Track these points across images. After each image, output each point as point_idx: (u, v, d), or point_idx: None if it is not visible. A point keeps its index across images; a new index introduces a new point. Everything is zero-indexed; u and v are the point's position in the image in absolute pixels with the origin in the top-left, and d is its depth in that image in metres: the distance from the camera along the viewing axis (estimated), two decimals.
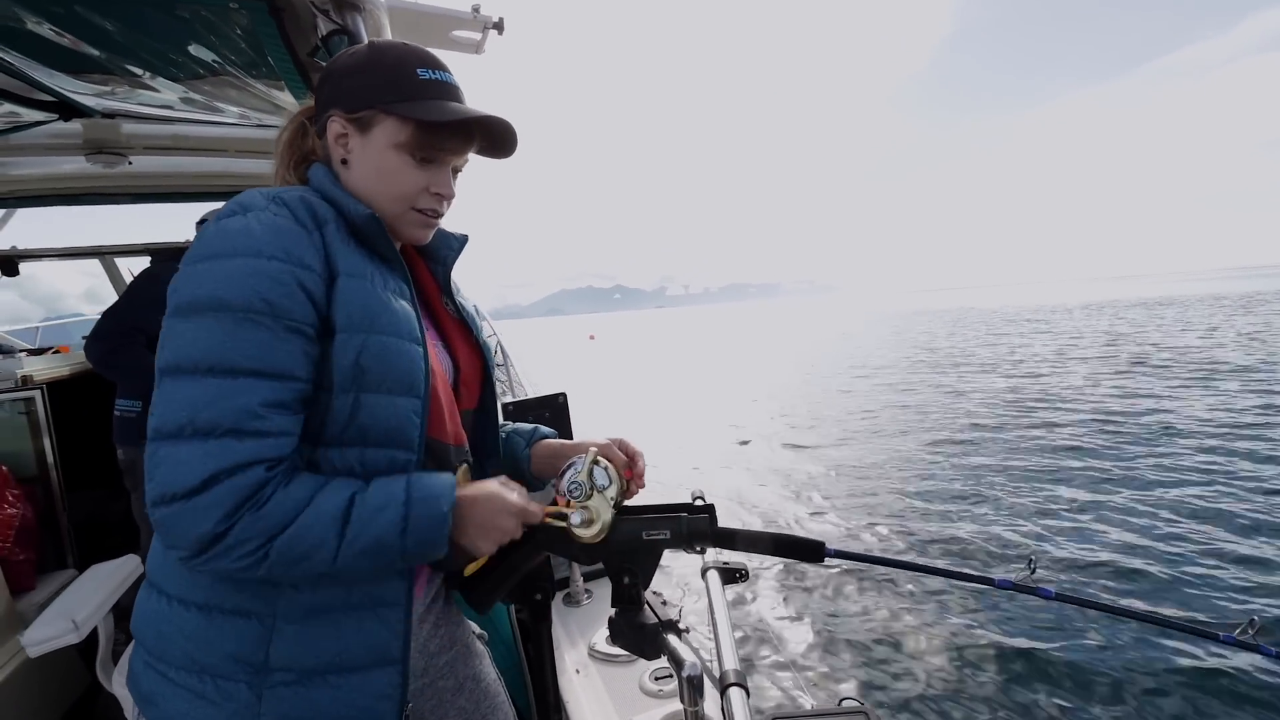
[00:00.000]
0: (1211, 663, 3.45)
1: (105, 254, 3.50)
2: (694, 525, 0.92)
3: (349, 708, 0.77)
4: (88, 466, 3.06)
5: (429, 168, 0.85)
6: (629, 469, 1.00)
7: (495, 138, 0.89)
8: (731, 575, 1.26)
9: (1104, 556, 4.82)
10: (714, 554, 1.24)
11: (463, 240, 1.01)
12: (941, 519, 5.93)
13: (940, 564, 0.82)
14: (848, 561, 0.89)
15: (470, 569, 0.96)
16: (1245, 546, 4.83)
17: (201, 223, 2.66)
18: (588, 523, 0.89)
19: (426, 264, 1.00)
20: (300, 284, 0.72)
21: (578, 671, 1.30)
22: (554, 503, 0.92)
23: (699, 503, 1.00)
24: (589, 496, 0.90)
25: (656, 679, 1.26)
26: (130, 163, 2.43)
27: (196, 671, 0.74)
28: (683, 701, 0.91)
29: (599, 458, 0.93)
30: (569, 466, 0.95)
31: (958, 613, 4.17)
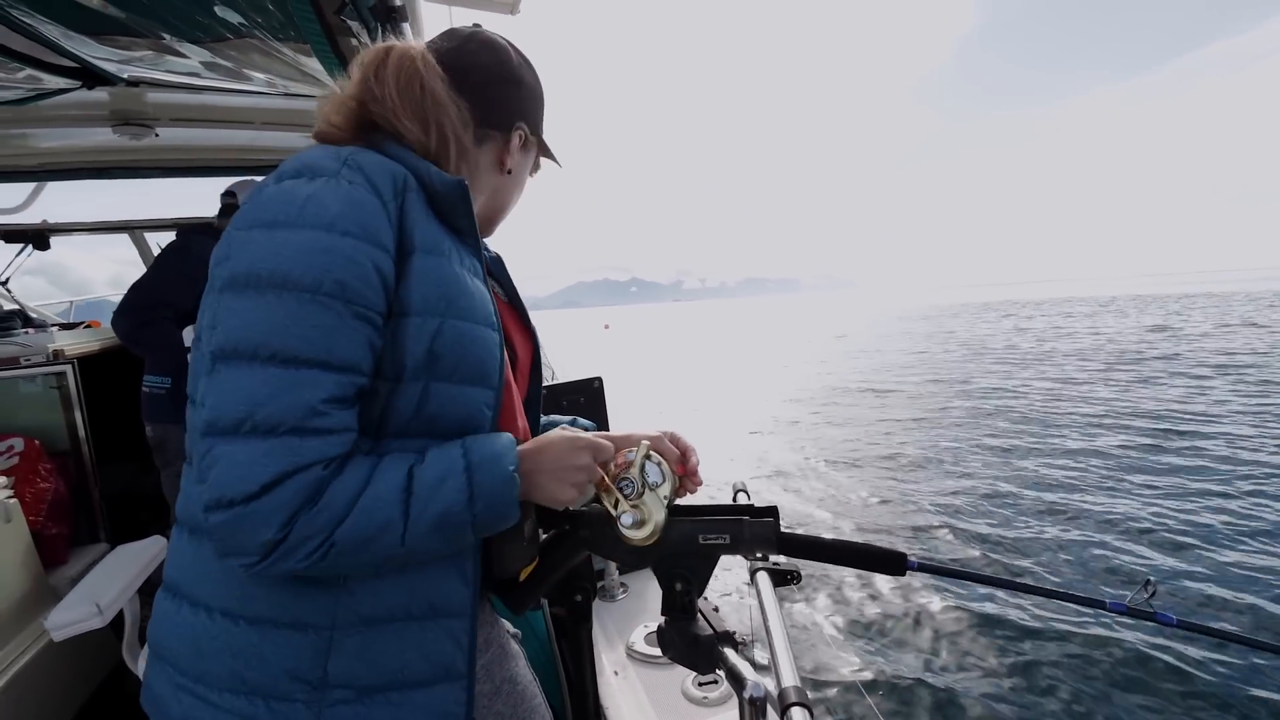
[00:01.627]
0: None
1: (134, 229, 3.48)
2: (757, 530, 0.83)
3: None
4: (119, 441, 3.07)
5: None
6: (681, 464, 0.91)
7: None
8: (783, 578, 1.17)
9: (1221, 578, 4.31)
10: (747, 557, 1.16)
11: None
12: (1026, 532, 5.36)
13: (1037, 582, 0.73)
14: (929, 576, 0.78)
15: (525, 572, 0.88)
16: None
17: (228, 195, 2.61)
18: (639, 524, 0.81)
19: None
20: (375, 266, 0.65)
21: (616, 673, 1.23)
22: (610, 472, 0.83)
23: (742, 498, 0.91)
24: (640, 494, 0.82)
25: (700, 685, 1.19)
26: (157, 135, 2.39)
27: (246, 693, 0.66)
28: None
29: (651, 452, 0.85)
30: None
31: (1050, 636, 3.70)
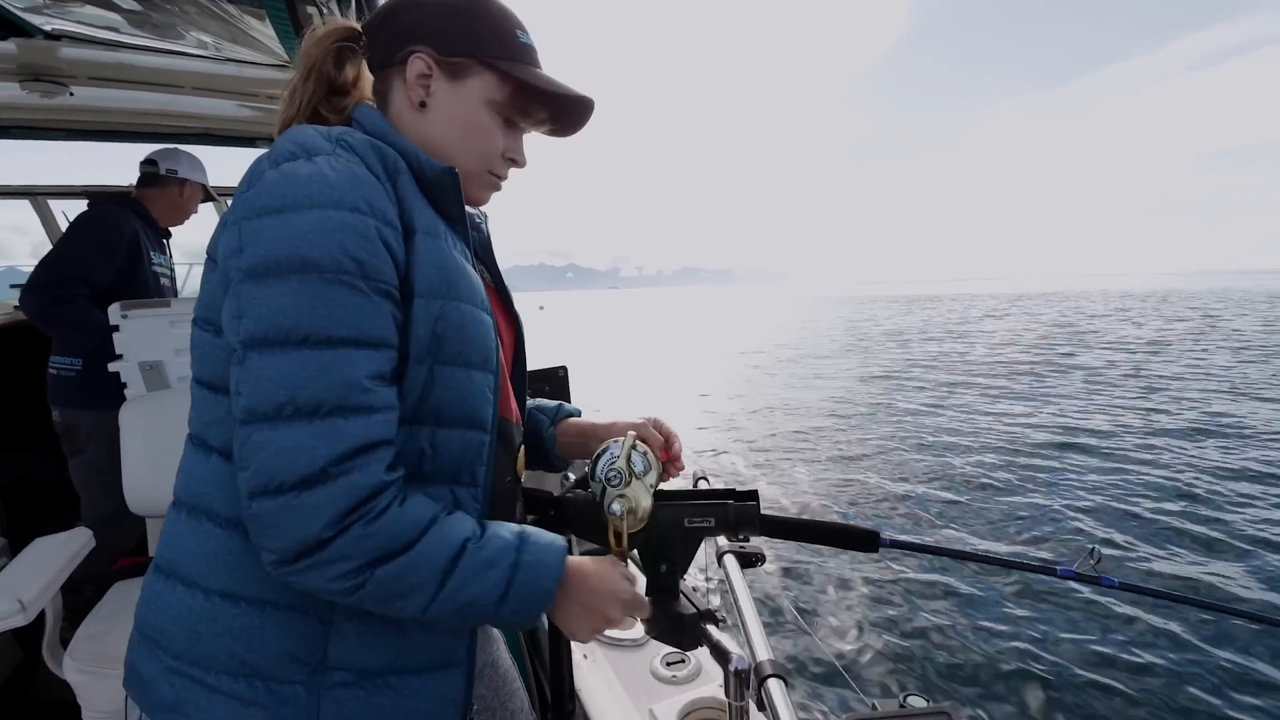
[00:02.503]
0: None
1: (38, 195, 3.17)
2: (741, 513, 0.87)
3: (411, 712, 0.70)
4: (16, 427, 2.82)
5: (511, 131, 0.80)
6: (665, 450, 0.94)
7: (575, 119, 0.83)
8: (749, 560, 1.22)
9: (1158, 545, 4.79)
10: (727, 539, 1.20)
11: (485, 215, 0.95)
12: (982, 505, 5.84)
13: (997, 553, 0.80)
14: (899, 551, 0.85)
15: None
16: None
17: (148, 163, 2.41)
18: (628, 512, 0.83)
19: None
20: (385, 241, 0.64)
21: (585, 657, 1.25)
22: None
23: (703, 485, 0.95)
24: (628, 483, 0.84)
25: (668, 665, 1.22)
26: (71, 94, 2.18)
27: (245, 676, 0.65)
28: (728, 696, 0.87)
29: (636, 441, 0.87)
30: (604, 450, 0.88)
31: (1009, 603, 4.02)
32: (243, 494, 0.58)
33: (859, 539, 0.85)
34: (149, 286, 2.33)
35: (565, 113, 0.82)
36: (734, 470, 7.36)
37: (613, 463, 0.85)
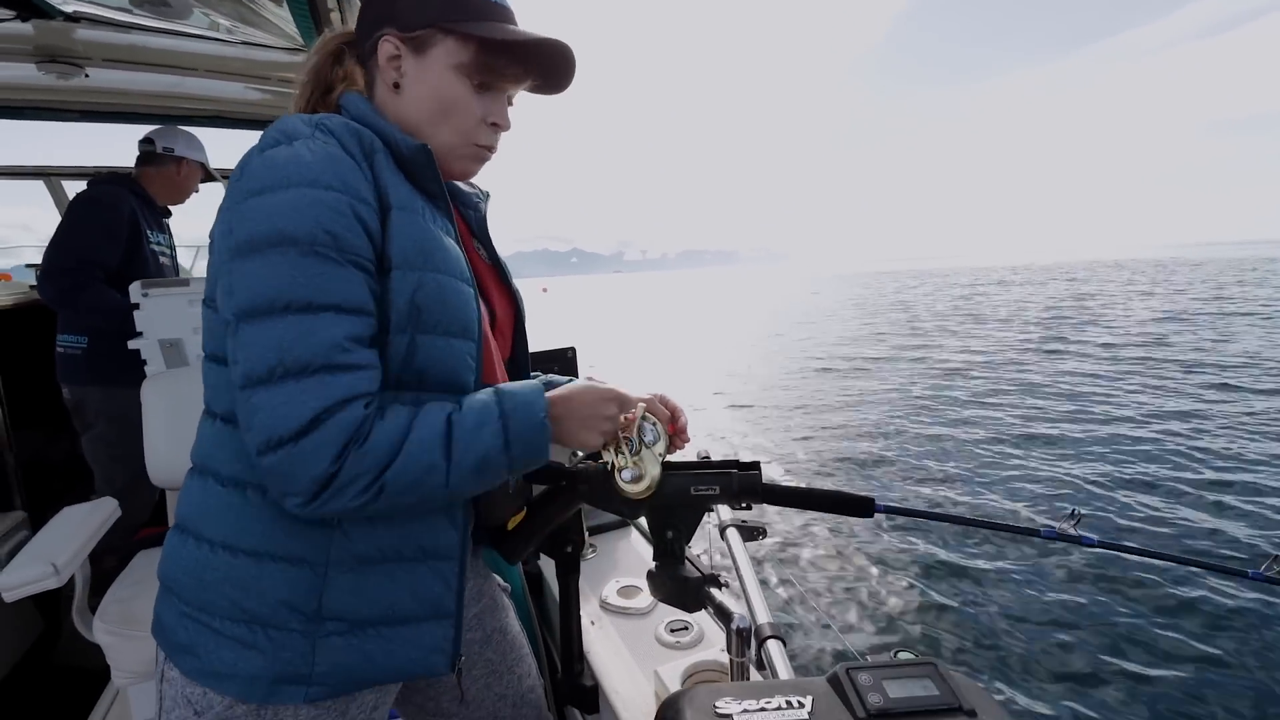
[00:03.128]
0: (1240, 601, 3.65)
1: (51, 175, 3.21)
2: (744, 482, 0.91)
3: (402, 659, 0.75)
4: (32, 403, 2.87)
5: (486, 95, 0.81)
6: (671, 424, 0.98)
7: (555, 69, 0.83)
8: (751, 533, 1.28)
9: (1139, 501, 5.06)
10: (730, 513, 1.25)
11: (486, 193, 0.98)
12: (971, 472, 6.09)
13: (983, 517, 0.85)
14: (897, 517, 0.90)
15: (513, 522, 0.94)
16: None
17: (146, 142, 2.42)
18: (637, 479, 0.88)
19: (457, 207, 0.95)
20: (358, 216, 0.68)
21: (592, 623, 1.31)
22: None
23: (739, 459, 0.99)
24: (638, 452, 0.89)
25: (672, 631, 1.28)
26: (87, 75, 2.21)
27: (245, 621, 0.70)
28: (729, 652, 0.92)
29: (646, 413, 0.92)
30: None
31: (996, 564, 4.25)
32: (252, 454, 0.63)
33: (855, 505, 0.90)
34: (148, 265, 2.34)
35: (541, 65, 0.82)
36: (735, 447, 7.52)
37: (624, 433, 0.89)
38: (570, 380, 0.97)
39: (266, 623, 0.70)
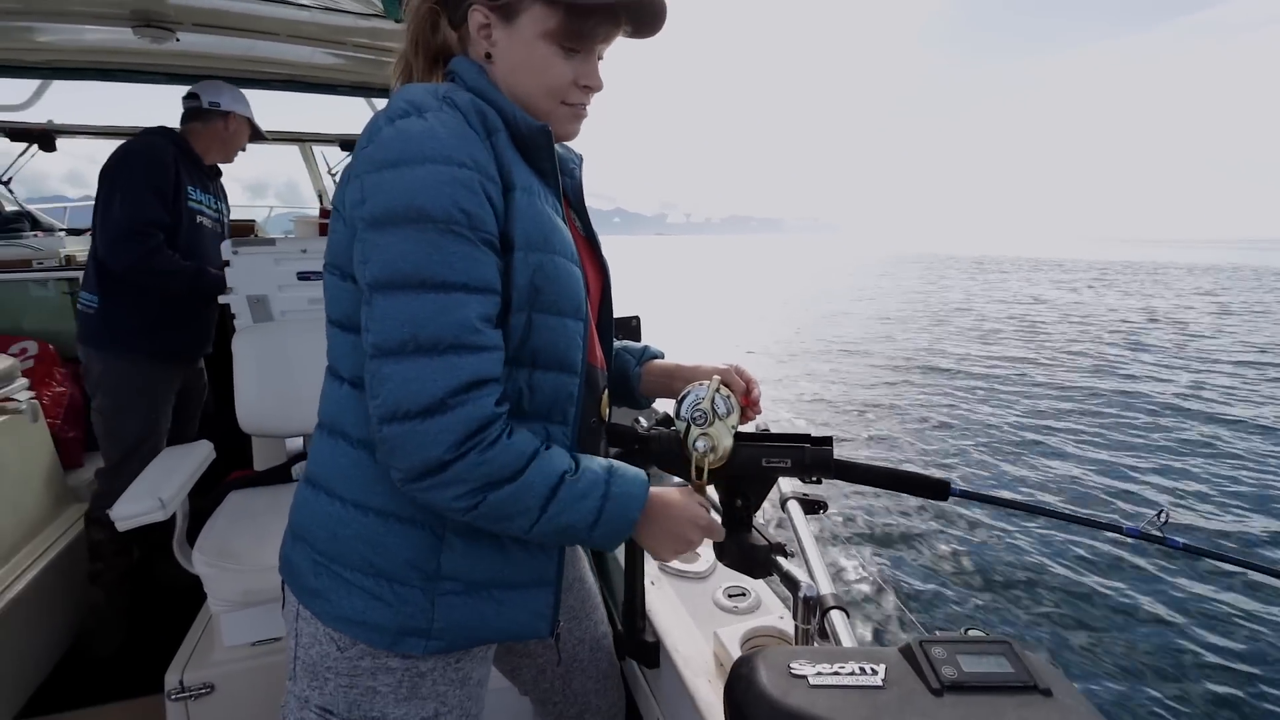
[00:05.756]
0: None
1: (125, 135, 3.38)
2: (817, 456, 0.92)
3: (510, 621, 0.81)
4: None
5: (576, 58, 0.79)
6: (745, 396, 1.00)
7: (645, 15, 0.80)
8: (812, 506, 1.29)
9: (1234, 506, 4.85)
10: (791, 485, 1.26)
11: (580, 157, 0.97)
12: (1054, 462, 5.93)
13: (1065, 508, 0.83)
14: (971, 502, 0.90)
15: None
16: None
17: (190, 97, 2.33)
18: (710, 449, 0.90)
19: None
20: (488, 195, 0.70)
21: (652, 583, 1.35)
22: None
23: (811, 433, 1.00)
24: (711, 423, 0.91)
25: (730, 596, 1.31)
26: (178, 39, 2.31)
27: (373, 575, 0.76)
28: (795, 619, 0.95)
29: (720, 385, 0.93)
30: (688, 392, 0.94)
31: (1071, 557, 4.15)
32: (373, 419, 0.67)
33: (930, 487, 0.90)
34: (183, 222, 2.17)
35: (631, 17, 0.79)
36: (811, 421, 7.46)
37: (698, 403, 0.91)
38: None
39: (392, 578, 0.76)
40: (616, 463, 0.79)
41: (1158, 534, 0.81)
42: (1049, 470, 5.77)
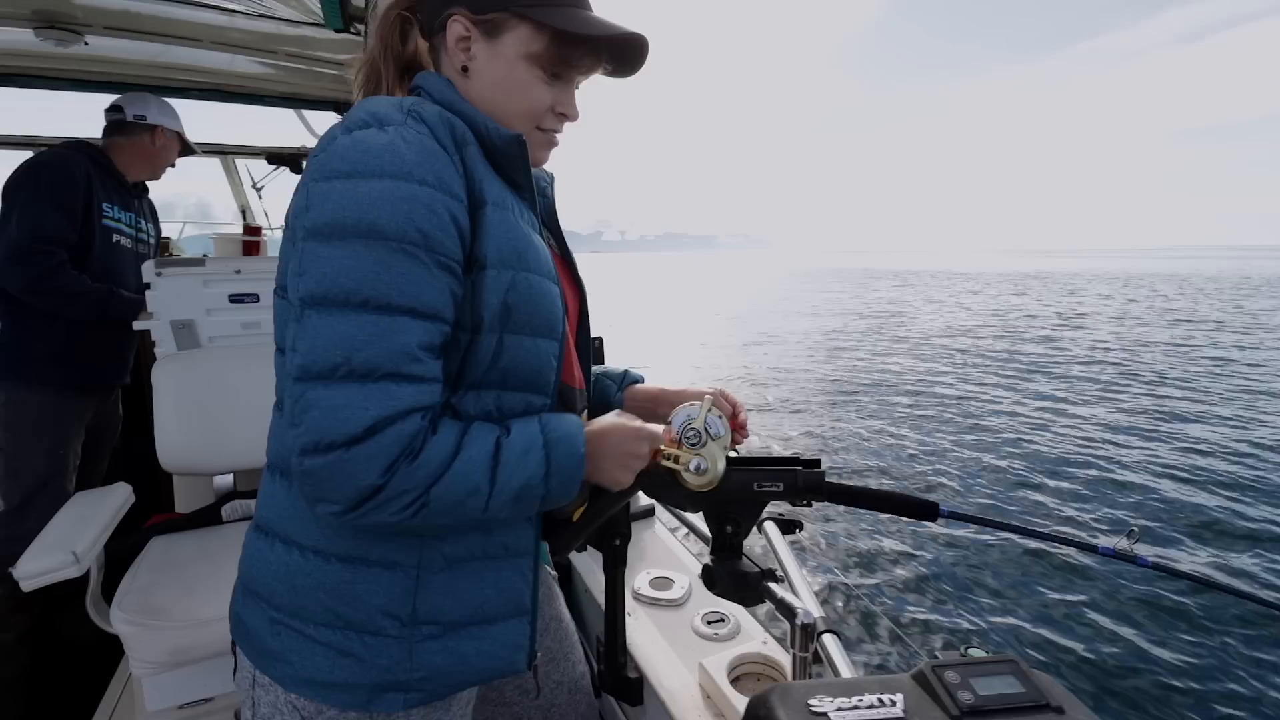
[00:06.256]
0: None
1: (39, 147, 3.09)
2: (809, 479, 0.90)
3: (490, 659, 0.74)
4: None
5: (557, 84, 0.77)
6: (731, 419, 0.97)
7: (628, 58, 0.79)
8: (789, 526, 1.28)
9: (1204, 528, 4.92)
10: (769, 508, 1.25)
11: (551, 176, 0.94)
12: (1016, 480, 6.02)
13: (1040, 528, 0.84)
14: (954, 521, 0.90)
15: (577, 513, 0.92)
16: None
17: (113, 110, 2.15)
18: (702, 471, 0.87)
19: None
20: (452, 216, 0.65)
21: (629, 614, 1.30)
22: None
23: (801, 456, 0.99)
24: (704, 445, 0.88)
25: (710, 623, 1.28)
26: (86, 43, 2.13)
27: (341, 628, 0.68)
28: (792, 647, 0.92)
29: (712, 406, 0.90)
30: (678, 413, 0.91)
31: (1049, 575, 4.21)
32: (293, 449, 0.60)
33: (919, 509, 0.90)
34: (94, 243, 1.99)
35: (615, 55, 0.78)
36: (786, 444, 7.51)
37: (690, 423, 0.88)
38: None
39: (363, 629, 0.68)
40: (543, 414, 0.74)
41: (1129, 553, 0.83)
42: (1023, 488, 5.90)
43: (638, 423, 0.80)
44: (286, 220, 0.71)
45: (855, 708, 0.65)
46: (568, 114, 0.80)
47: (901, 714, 0.64)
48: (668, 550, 1.57)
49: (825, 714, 0.64)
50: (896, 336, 16.36)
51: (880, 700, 0.66)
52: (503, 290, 0.68)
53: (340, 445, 0.58)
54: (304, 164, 0.69)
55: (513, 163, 0.74)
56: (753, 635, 1.25)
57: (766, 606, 0.97)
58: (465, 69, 0.75)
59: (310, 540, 0.69)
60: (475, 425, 0.67)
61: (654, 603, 1.35)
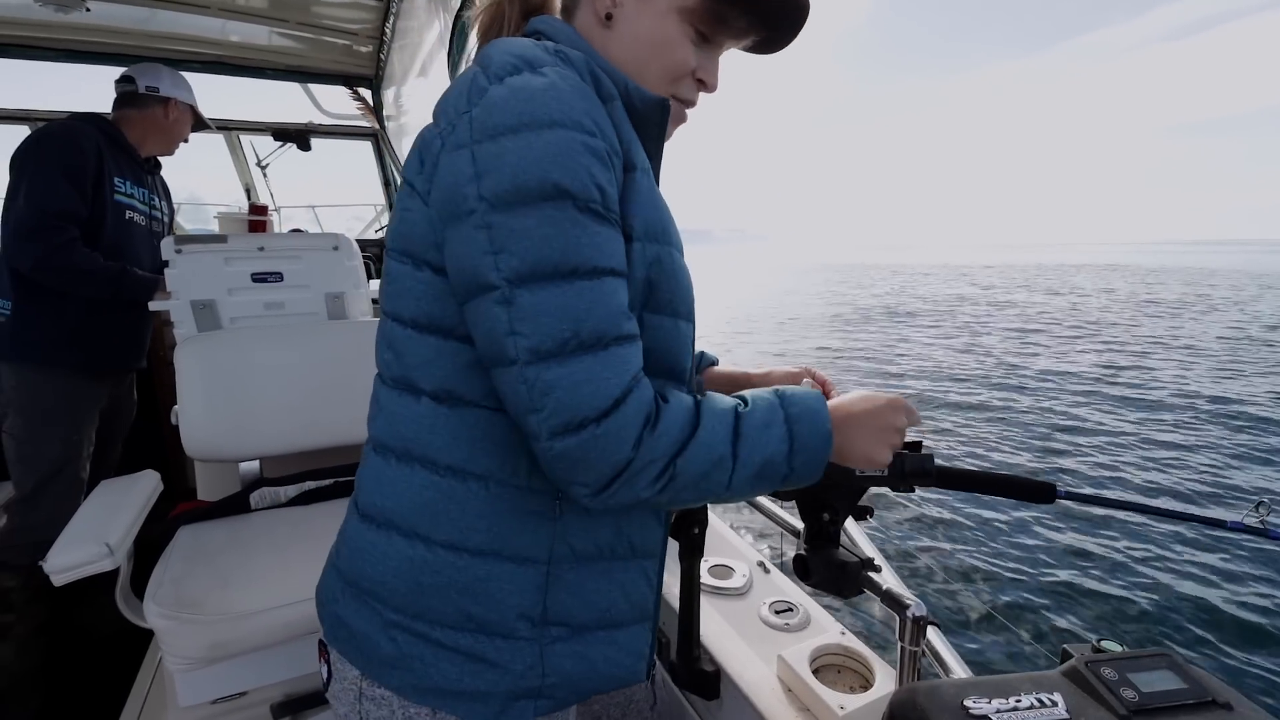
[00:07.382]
0: None
1: (35, 120, 2.96)
2: (916, 463, 0.85)
3: (615, 665, 0.68)
4: None
5: (704, 47, 0.69)
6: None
7: (785, 24, 0.70)
8: (862, 513, 1.22)
9: None
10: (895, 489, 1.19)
11: None
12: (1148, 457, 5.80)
13: (1163, 505, 0.80)
14: (1077, 504, 0.84)
15: None
16: None
17: (124, 81, 2.02)
18: None
19: None
20: (614, 169, 0.59)
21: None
22: None
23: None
24: None
25: (778, 612, 1.23)
26: (88, 9, 2.02)
27: (472, 631, 0.62)
28: (902, 640, 0.87)
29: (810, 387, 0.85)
30: None
31: (1172, 555, 3.99)
32: (538, 435, 0.55)
33: (1035, 491, 0.84)
34: (105, 218, 1.90)
35: (771, 22, 0.70)
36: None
37: None
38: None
39: (495, 631, 0.62)
40: (780, 386, 0.66)
41: (1260, 526, 0.79)
42: (1145, 466, 5.70)
43: (878, 395, 0.72)
44: (407, 179, 0.63)
45: (1015, 709, 0.60)
46: (707, 82, 0.72)
47: (1065, 715, 0.59)
48: (720, 538, 1.52)
49: (986, 716, 0.59)
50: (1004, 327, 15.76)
51: (1040, 701, 0.61)
52: (647, 265, 0.62)
53: (592, 420, 0.54)
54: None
55: (650, 129, 0.67)
56: (825, 626, 1.20)
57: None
58: (609, 16, 0.68)
59: (440, 534, 0.63)
60: (711, 395, 0.62)
61: (717, 592, 1.30)
